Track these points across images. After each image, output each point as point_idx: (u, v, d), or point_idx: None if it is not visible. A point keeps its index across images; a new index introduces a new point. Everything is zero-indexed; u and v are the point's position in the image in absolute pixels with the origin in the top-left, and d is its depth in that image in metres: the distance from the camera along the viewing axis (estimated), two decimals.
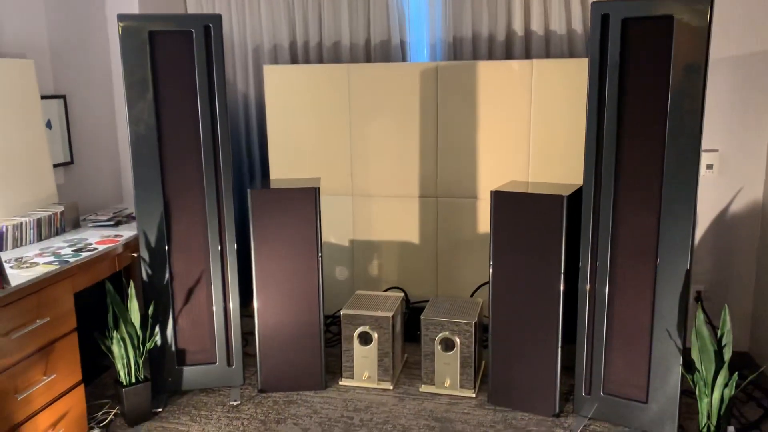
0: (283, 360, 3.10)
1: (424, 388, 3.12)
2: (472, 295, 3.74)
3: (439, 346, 3.05)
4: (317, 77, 3.71)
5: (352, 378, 3.19)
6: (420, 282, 3.82)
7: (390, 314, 3.09)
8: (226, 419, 2.89)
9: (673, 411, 2.61)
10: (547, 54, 3.66)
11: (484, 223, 3.66)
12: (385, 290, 3.88)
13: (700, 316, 2.43)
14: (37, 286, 2.42)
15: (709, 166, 3.22)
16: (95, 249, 2.81)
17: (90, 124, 3.66)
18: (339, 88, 3.71)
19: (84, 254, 2.72)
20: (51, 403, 2.50)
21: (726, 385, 2.36)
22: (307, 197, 2.98)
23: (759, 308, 3.19)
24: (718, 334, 2.43)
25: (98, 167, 3.74)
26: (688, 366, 2.54)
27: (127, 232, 3.15)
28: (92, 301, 3.32)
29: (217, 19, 2.86)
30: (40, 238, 2.96)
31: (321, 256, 3.02)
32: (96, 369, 3.37)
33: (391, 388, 3.15)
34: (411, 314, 3.73)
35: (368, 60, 3.91)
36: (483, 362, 3.33)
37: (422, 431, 2.76)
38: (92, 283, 2.80)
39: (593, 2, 2.53)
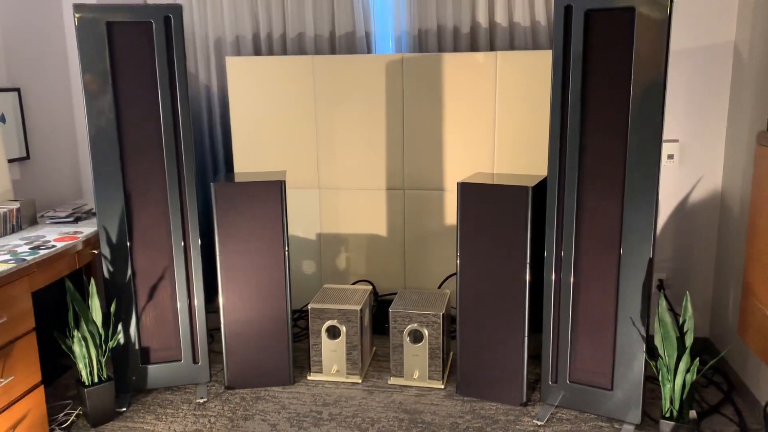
0: (250, 356, 3.06)
1: (393, 381, 3.12)
2: (439, 287, 3.75)
3: (408, 338, 3.05)
4: (281, 69, 3.67)
5: (321, 372, 3.17)
6: (388, 274, 3.82)
7: (358, 307, 3.08)
8: (192, 417, 2.85)
9: (637, 397, 2.66)
10: (512, 46, 3.67)
11: (451, 214, 3.67)
12: (353, 283, 3.87)
13: (663, 303, 2.48)
14: None
15: (670, 156, 3.28)
16: (53, 246, 2.73)
17: (46, 117, 3.55)
18: (304, 80, 3.67)
19: (42, 252, 2.64)
20: (9, 406, 2.43)
21: (688, 371, 2.41)
22: (273, 190, 2.94)
23: (718, 295, 3.27)
24: (680, 321, 2.48)
25: (56, 162, 3.64)
26: (652, 353, 2.59)
27: (87, 228, 3.07)
28: (52, 300, 3.24)
29: (177, 9, 2.80)
30: None
31: (288, 251, 2.99)
32: (56, 369, 3.28)
33: (360, 381, 3.14)
34: (379, 307, 3.72)
35: (333, 52, 3.88)
36: (451, 353, 3.34)
37: (391, 423, 2.76)
38: (51, 281, 2.72)
39: None
